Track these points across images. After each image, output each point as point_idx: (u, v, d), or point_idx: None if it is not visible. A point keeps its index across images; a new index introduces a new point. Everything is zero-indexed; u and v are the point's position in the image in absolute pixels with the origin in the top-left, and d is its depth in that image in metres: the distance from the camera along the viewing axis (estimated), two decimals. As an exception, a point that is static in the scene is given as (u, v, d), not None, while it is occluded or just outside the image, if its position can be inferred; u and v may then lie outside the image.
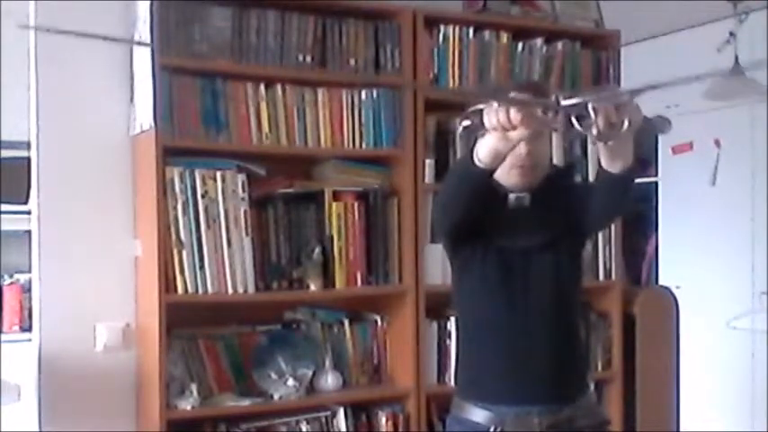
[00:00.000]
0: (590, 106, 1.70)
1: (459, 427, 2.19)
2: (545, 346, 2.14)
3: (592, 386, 2.42)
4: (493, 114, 1.75)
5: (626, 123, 1.73)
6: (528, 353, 2.13)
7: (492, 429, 2.11)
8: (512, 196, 2.17)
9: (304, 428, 2.97)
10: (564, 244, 2.17)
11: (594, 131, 1.72)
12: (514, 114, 1.73)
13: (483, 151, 1.87)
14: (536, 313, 2.14)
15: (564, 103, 1.71)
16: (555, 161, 2.79)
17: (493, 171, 1.93)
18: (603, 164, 1.90)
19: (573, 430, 2.14)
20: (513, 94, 1.84)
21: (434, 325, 3.18)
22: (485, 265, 2.15)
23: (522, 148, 2.10)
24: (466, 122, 1.83)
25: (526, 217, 2.16)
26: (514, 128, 1.75)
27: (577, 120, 1.72)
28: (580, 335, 2.37)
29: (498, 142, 1.82)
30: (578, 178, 3.07)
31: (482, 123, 1.79)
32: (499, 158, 1.88)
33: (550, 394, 2.14)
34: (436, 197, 2.31)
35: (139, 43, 2.87)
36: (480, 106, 1.81)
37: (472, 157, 1.91)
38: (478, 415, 2.14)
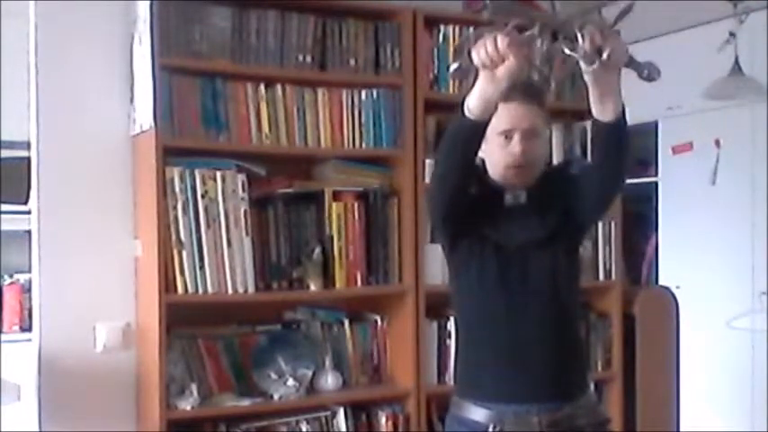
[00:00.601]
0: (576, 29, 1.72)
1: (458, 426, 2.19)
2: (544, 345, 2.14)
3: (592, 385, 2.42)
4: (481, 47, 1.74)
5: (606, 52, 1.74)
6: (527, 351, 2.13)
7: (491, 428, 2.11)
8: (508, 195, 2.17)
9: (304, 428, 2.97)
10: (562, 241, 2.17)
11: (581, 53, 1.73)
12: (501, 40, 1.72)
13: (472, 99, 1.86)
14: (535, 311, 2.14)
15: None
16: (555, 160, 2.79)
17: (484, 124, 1.90)
18: (595, 111, 1.89)
19: (573, 429, 2.14)
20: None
21: (434, 325, 3.18)
22: (482, 263, 2.15)
23: (516, 147, 2.11)
24: (455, 65, 1.81)
25: (523, 215, 2.16)
26: (503, 60, 1.74)
27: (565, 45, 1.74)
28: (579, 333, 2.37)
29: (487, 85, 1.81)
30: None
31: (471, 63, 1.76)
32: (489, 106, 1.85)
33: (550, 393, 2.14)
34: (430, 179, 2.29)
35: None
36: (469, 39, 1.79)
37: (463, 113, 1.90)
38: (478, 413, 2.14)
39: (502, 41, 1.73)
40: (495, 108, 1.90)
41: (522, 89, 2.15)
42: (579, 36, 1.74)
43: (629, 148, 1.99)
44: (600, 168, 2.04)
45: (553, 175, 2.26)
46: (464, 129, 1.94)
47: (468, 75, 1.84)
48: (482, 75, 1.80)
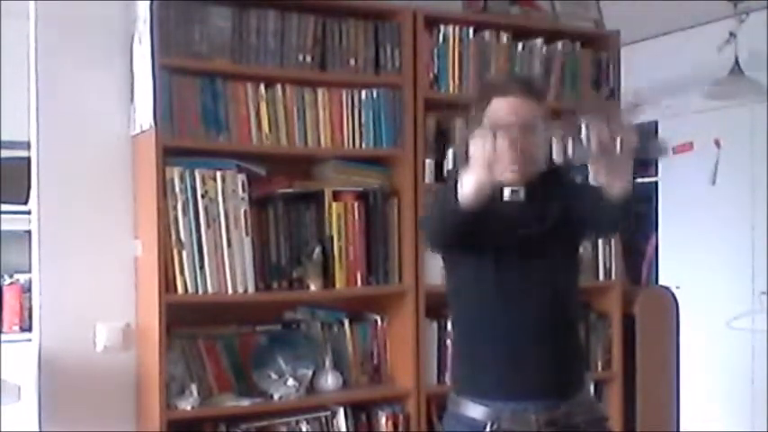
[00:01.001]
0: (583, 123, 1.69)
1: (456, 423, 2.19)
2: (542, 342, 2.14)
3: (592, 385, 2.42)
4: (480, 144, 1.74)
5: (618, 143, 1.73)
6: (525, 349, 2.13)
7: (489, 425, 2.11)
8: (507, 190, 2.14)
9: (304, 428, 2.97)
10: (561, 239, 2.17)
11: (587, 149, 1.72)
12: (500, 147, 1.73)
13: (467, 186, 1.86)
14: (533, 307, 2.14)
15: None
16: (555, 157, 2.77)
17: (476, 213, 1.90)
18: (599, 181, 1.88)
19: (570, 426, 2.14)
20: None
21: (434, 325, 3.18)
22: (480, 260, 2.14)
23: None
24: (452, 151, 1.82)
25: (522, 211, 2.15)
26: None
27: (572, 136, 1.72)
28: (578, 331, 2.37)
29: (485, 175, 1.82)
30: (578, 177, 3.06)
31: (466, 154, 1.78)
32: (484, 193, 1.86)
33: (547, 391, 2.14)
34: (423, 217, 2.31)
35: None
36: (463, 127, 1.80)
37: (456, 193, 1.90)
38: (475, 411, 2.14)
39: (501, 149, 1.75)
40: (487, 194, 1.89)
41: (521, 83, 2.15)
42: (584, 131, 1.71)
43: (631, 217, 1.99)
44: (599, 221, 2.07)
45: (554, 176, 2.25)
46: (458, 218, 1.94)
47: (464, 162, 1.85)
48: (478, 165, 1.81)
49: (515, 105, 2.10)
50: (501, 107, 2.09)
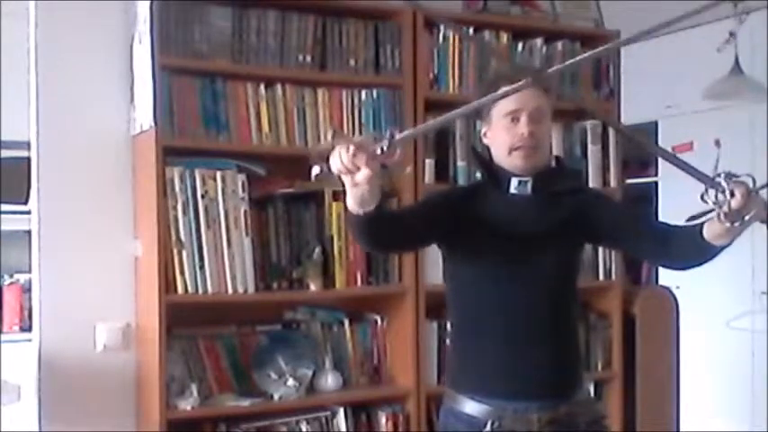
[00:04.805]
0: (727, 185, 1.73)
1: (454, 419, 2.18)
2: (543, 341, 2.14)
3: (591, 385, 2.42)
4: (336, 158, 1.72)
5: (750, 215, 1.77)
6: (526, 347, 2.13)
7: (490, 424, 2.10)
8: (514, 181, 2.14)
9: (304, 428, 2.97)
10: (565, 237, 2.16)
11: (724, 210, 1.76)
12: (346, 155, 1.70)
13: (348, 200, 1.83)
14: (533, 306, 2.13)
15: (398, 136, 1.71)
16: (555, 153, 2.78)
17: (373, 212, 1.85)
18: (707, 235, 1.89)
19: (570, 426, 2.14)
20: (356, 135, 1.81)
21: (434, 325, 3.18)
22: (482, 253, 2.14)
23: (524, 128, 2.09)
24: (316, 170, 1.76)
25: (527, 205, 2.15)
26: (358, 169, 1.72)
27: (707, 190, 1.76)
28: (577, 330, 2.37)
29: (352, 188, 1.78)
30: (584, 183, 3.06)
31: (329, 170, 1.75)
32: (366, 200, 1.81)
33: (549, 390, 2.13)
34: None
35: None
36: (322, 149, 1.76)
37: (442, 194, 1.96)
38: (474, 408, 2.13)
39: (347, 157, 1.70)
40: (379, 195, 1.84)
41: (529, 71, 2.15)
42: (728, 194, 1.75)
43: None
44: (682, 252, 2.06)
45: (564, 177, 2.24)
46: (358, 223, 1.90)
47: (331, 177, 1.80)
48: (344, 180, 1.78)
49: (525, 92, 2.06)
50: (512, 96, 2.09)
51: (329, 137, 1.77)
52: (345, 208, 1.88)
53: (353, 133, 3.06)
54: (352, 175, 1.74)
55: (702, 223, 1.90)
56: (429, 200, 2.37)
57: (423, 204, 2.27)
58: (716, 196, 1.76)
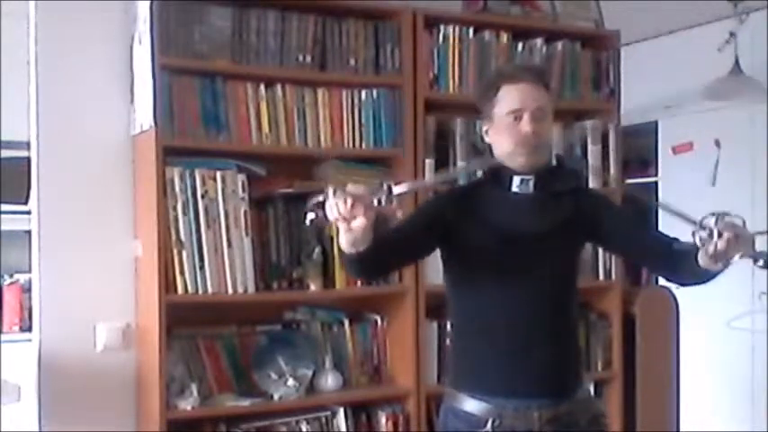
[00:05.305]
0: (716, 227, 1.81)
1: (454, 418, 2.18)
2: (543, 340, 2.14)
3: (591, 385, 2.43)
4: (333, 207, 1.81)
5: (736, 257, 1.83)
6: (526, 346, 2.13)
7: (491, 422, 2.10)
8: (516, 179, 2.14)
9: (304, 428, 2.97)
10: (566, 236, 2.17)
11: (710, 249, 1.82)
12: (344, 206, 1.79)
13: (342, 242, 1.90)
14: (533, 305, 2.14)
15: (396, 190, 1.83)
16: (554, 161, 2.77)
17: (366, 249, 1.91)
18: (699, 259, 1.93)
19: (570, 424, 2.14)
20: (350, 186, 1.86)
21: (434, 325, 3.18)
22: (483, 252, 2.14)
23: (526, 126, 2.09)
24: (311, 215, 1.85)
25: (529, 203, 2.15)
26: (354, 217, 1.81)
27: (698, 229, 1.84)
28: (577, 330, 2.38)
29: (346, 234, 1.86)
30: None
31: (326, 217, 1.83)
32: (359, 243, 1.88)
33: (550, 388, 2.14)
34: None
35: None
36: (320, 198, 1.85)
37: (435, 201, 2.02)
38: (475, 406, 2.13)
39: (345, 208, 1.80)
40: (372, 235, 1.89)
41: (531, 70, 2.16)
42: (716, 234, 1.82)
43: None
44: (662, 262, 2.15)
45: (566, 177, 2.24)
46: (351, 261, 1.98)
47: (326, 224, 1.91)
48: (339, 226, 1.86)
49: (527, 91, 2.10)
50: (513, 94, 2.10)
51: (329, 192, 1.83)
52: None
53: (354, 135, 3.06)
54: (347, 223, 1.82)
55: (696, 259, 1.95)
56: (423, 209, 2.35)
57: (417, 216, 2.25)
58: (700, 238, 1.84)
